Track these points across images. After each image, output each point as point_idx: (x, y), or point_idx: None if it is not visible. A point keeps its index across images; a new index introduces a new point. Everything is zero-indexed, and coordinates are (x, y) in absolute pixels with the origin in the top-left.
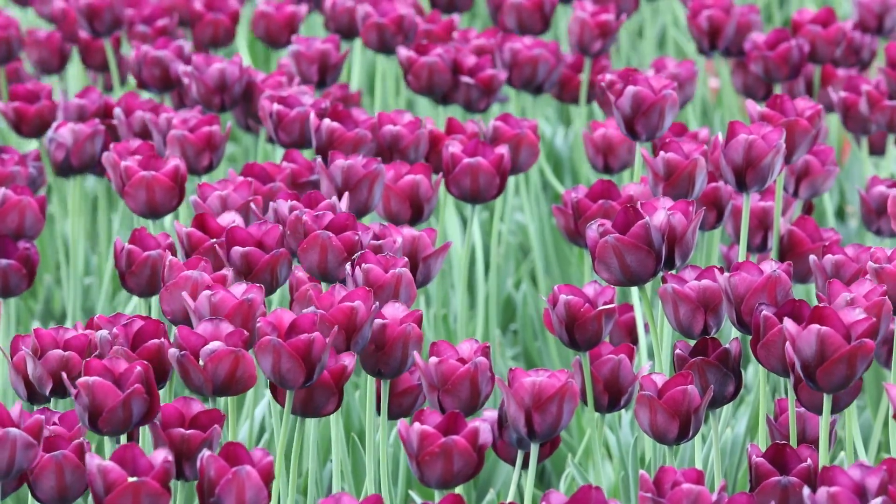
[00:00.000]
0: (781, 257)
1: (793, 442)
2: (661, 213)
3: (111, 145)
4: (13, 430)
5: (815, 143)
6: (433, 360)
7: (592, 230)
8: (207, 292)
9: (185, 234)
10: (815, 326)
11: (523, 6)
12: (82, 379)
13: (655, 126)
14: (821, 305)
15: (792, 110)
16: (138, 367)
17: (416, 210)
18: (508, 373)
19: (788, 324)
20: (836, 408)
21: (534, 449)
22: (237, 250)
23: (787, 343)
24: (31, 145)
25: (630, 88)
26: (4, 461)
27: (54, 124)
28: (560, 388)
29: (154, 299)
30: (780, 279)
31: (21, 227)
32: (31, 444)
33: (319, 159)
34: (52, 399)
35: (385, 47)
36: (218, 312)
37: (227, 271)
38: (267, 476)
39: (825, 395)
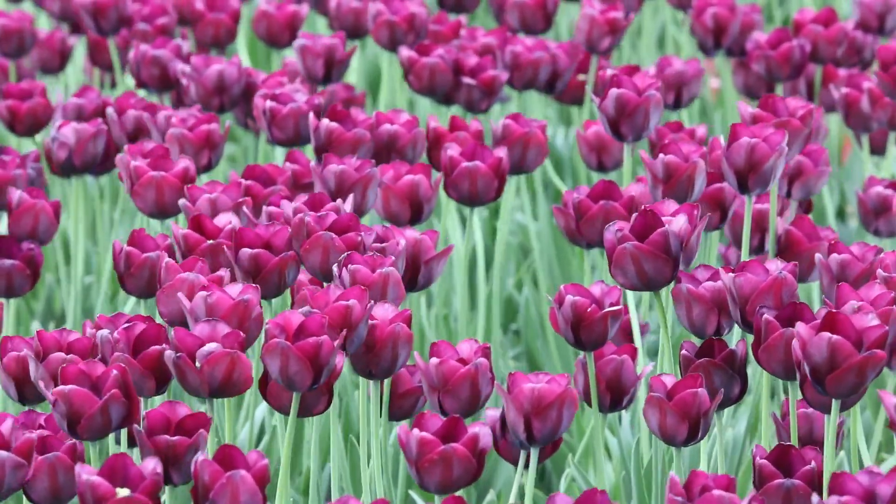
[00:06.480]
0: (778, 257)
1: (795, 442)
2: (681, 220)
3: (125, 147)
4: (1, 452)
5: (807, 143)
6: (433, 360)
7: (611, 233)
8: (203, 293)
9: (182, 235)
10: (826, 334)
11: (526, 4)
12: (58, 388)
13: (641, 127)
14: (833, 311)
15: (784, 110)
16: (115, 371)
17: (415, 210)
18: (508, 378)
19: (801, 328)
20: (843, 406)
21: (533, 453)
22: (245, 252)
23: (796, 343)
24: (30, 145)
25: (613, 91)
26: None
27: (57, 124)
28: (560, 395)
29: (154, 300)
30: (787, 280)
31: (35, 231)
32: (20, 465)
33: (314, 163)
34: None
35: (395, 46)
36: (214, 313)
37: (224, 272)
38: (262, 480)
39: (833, 400)
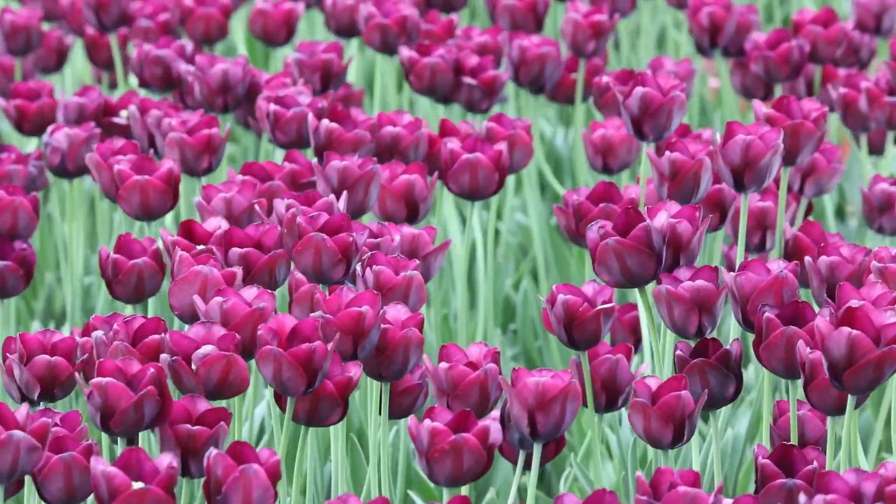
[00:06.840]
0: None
1: (795, 442)
2: (663, 216)
3: (94, 145)
4: (17, 432)
5: (820, 145)
6: (443, 365)
7: (593, 231)
8: (219, 299)
9: (172, 242)
10: (846, 329)
11: (516, 7)
12: (96, 379)
13: (663, 127)
14: (852, 306)
15: (798, 112)
16: (151, 369)
17: (411, 210)
18: (511, 373)
19: (820, 322)
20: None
21: (536, 449)
22: (235, 251)
23: (800, 343)
24: (33, 144)
25: (638, 89)
26: (7, 464)
27: (50, 128)
28: (564, 389)
29: (150, 304)
30: (788, 279)
31: (15, 227)
32: (34, 447)
33: (316, 160)
34: (41, 403)
35: (388, 48)
36: (229, 319)
37: (238, 269)
38: (274, 475)
39: (849, 396)
